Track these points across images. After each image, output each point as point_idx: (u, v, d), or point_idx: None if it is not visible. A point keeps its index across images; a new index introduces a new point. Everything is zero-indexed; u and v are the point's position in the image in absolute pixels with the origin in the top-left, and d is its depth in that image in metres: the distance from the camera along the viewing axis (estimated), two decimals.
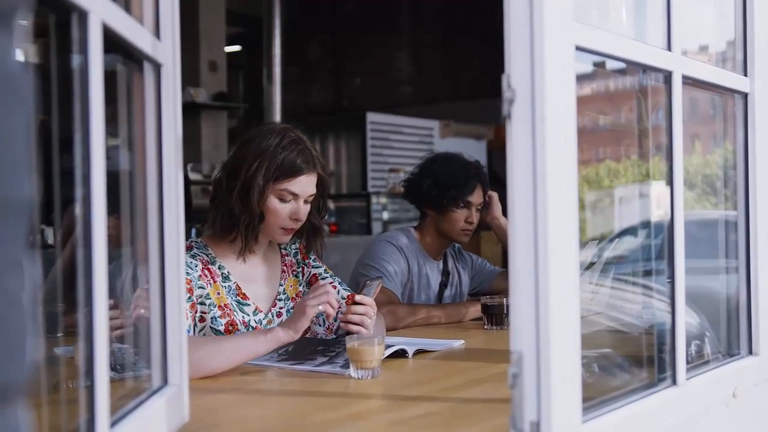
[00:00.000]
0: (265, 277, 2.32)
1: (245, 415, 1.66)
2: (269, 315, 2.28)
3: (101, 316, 1.00)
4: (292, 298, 2.36)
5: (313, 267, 2.43)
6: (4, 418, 0.54)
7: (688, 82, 1.55)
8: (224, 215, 2.21)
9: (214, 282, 2.19)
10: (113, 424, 1.07)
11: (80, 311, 1.00)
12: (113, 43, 1.10)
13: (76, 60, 1.00)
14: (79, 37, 0.99)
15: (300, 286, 2.39)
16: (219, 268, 2.23)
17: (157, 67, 1.34)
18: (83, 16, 0.98)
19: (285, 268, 2.38)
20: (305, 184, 2.21)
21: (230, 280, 2.23)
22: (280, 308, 2.32)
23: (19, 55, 0.60)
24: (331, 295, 2.02)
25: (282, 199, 2.20)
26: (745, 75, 1.78)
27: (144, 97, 1.33)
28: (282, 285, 2.35)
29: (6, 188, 0.55)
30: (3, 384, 0.54)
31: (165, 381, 1.36)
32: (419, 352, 2.18)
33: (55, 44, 1.04)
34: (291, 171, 2.18)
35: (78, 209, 0.99)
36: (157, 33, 1.34)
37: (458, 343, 2.34)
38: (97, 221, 0.99)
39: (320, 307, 1.99)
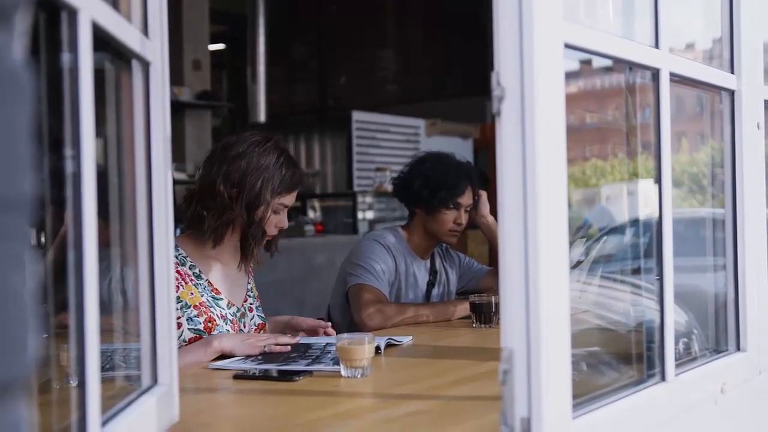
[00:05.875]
0: (235, 275, 2.39)
1: (235, 414, 1.65)
2: (242, 309, 2.37)
3: (92, 317, 0.99)
4: (257, 296, 2.48)
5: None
6: (7, 414, 0.54)
7: (676, 79, 1.56)
8: (225, 225, 2.25)
9: (186, 283, 2.23)
10: (104, 423, 1.07)
11: (71, 312, 1.00)
12: (101, 41, 1.09)
13: (65, 58, 0.99)
14: (68, 35, 0.98)
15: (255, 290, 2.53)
16: (190, 268, 2.27)
17: (145, 65, 1.33)
18: (73, 14, 0.98)
19: (250, 268, 2.48)
20: (294, 197, 2.34)
21: (202, 278, 2.28)
22: (250, 304, 2.43)
23: (19, 53, 0.60)
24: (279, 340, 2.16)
25: (276, 212, 2.29)
26: (732, 72, 1.79)
27: (132, 96, 1.32)
28: (250, 283, 2.46)
29: (9, 185, 0.55)
30: (6, 380, 0.54)
31: (155, 380, 1.35)
32: (389, 346, 2.22)
33: (43, 42, 1.03)
34: (291, 187, 2.30)
35: (68, 210, 0.99)
36: (145, 31, 1.33)
37: (407, 339, 2.36)
38: (87, 221, 0.99)
39: (266, 348, 2.12)
